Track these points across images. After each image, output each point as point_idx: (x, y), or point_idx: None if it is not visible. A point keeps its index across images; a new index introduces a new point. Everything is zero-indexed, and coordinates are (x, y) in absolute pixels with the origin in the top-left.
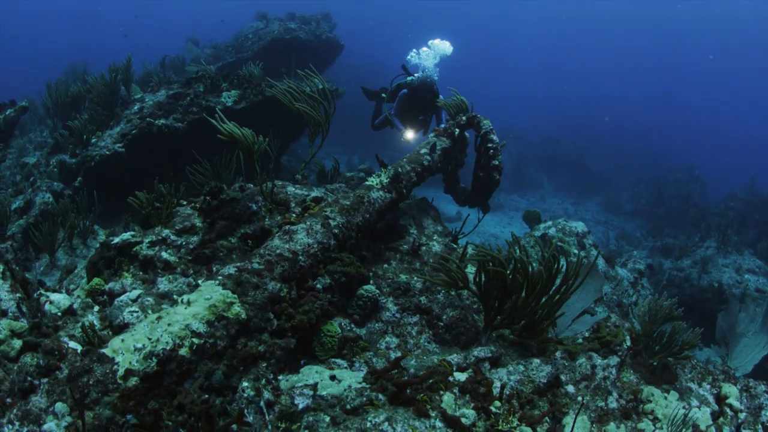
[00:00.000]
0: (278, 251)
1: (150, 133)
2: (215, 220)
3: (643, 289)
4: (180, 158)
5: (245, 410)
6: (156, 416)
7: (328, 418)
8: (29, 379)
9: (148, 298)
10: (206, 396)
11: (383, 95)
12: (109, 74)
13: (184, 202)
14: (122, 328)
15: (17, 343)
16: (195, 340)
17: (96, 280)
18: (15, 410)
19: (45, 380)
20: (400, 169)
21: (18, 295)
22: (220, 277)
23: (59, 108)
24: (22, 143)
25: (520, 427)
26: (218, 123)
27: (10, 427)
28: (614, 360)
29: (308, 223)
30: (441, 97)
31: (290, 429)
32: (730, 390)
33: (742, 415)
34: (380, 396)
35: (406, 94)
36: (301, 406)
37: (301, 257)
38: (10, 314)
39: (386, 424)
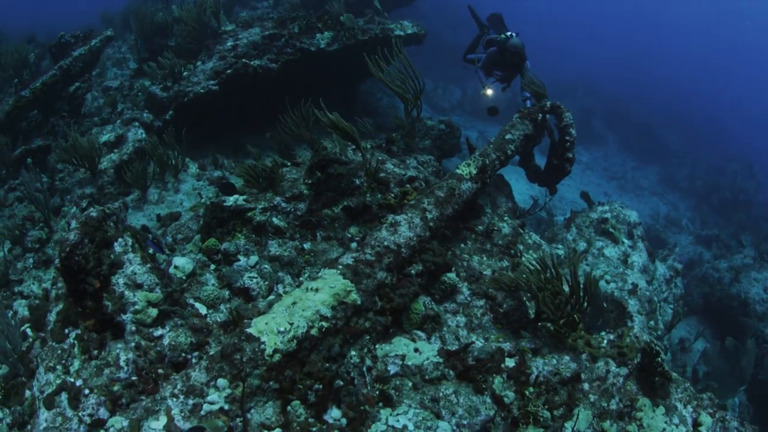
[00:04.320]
0: (385, 243)
1: (245, 74)
2: (322, 192)
3: (676, 288)
4: (270, 96)
5: (350, 372)
6: (291, 382)
7: (410, 384)
8: (183, 354)
9: (266, 265)
10: (327, 364)
11: (483, 34)
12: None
13: (288, 164)
14: (242, 291)
15: (153, 312)
16: (323, 323)
17: (212, 240)
18: (179, 385)
19: (195, 354)
20: (487, 161)
21: (149, 265)
22: (340, 267)
23: (144, 34)
24: (102, 60)
25: (543, 409)
26: (322, 114)
27: (175, 400)
28: (624, 371)
29: (409, 215)
30: (528, 62)
31: (383, 389)
32: (705, 419)
33: None
34: (450, 372)
35: (496, 52)
36: (392, 372)
37: (403, 249)
38: (146, 287)
39: (453, 395)
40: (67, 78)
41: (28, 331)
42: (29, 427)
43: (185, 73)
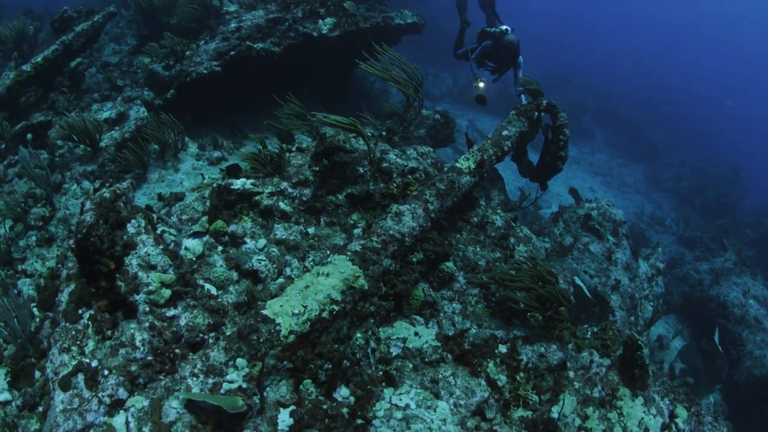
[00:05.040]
0: (391, 232)
1: (249, 56)
2: (327, 178)
3: (657, 287)
4: (269, 77)
5: (356, 353)
6: (303, 362)
7: (411, 365)
8: (200, 335)
9: (273, 249)
10: (336, 346)
11: (465, 26)
12: None
13: (293, 149)
14: (251, 273)
15: (167, 293)
16: (334, 307)
17: (219, 222)
18: (198, 365)
19: (211, 334)
20: (485, 156)
21: (161, 246)
22: (349, 253)
23: (144, 11)
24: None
25: (531, 393)
26: (322, 116)
27: (195, 379)
28: (607, 361)
29: (413, 205)
30: (521, 57)
31: (386, 370)
32: (681, 412)
33: None
34: (448, 355)
35: (491, 45)
36: (394, 354)
37: (407, 239)
38: (159, 268)
39: (451, 377)
40: (69, 53)
41: (35, 310)
42: (40, 408)
43: (188, 53)
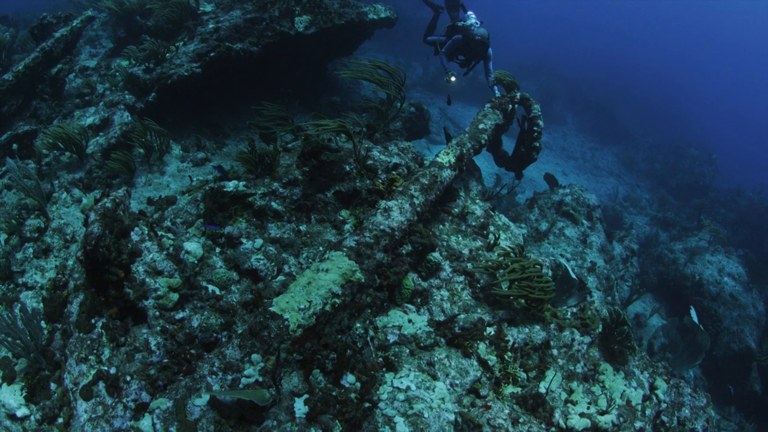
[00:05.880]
0: (381, 227)
1: (228, 57)
2: (315, 177)
3: (632, 267)
4: (248, 76)
5: (357, 342)
6: (311, 353)
7: (408, 350)
8: (214, 335)
9: (270, 248)
10: (339, 336)
11: (440, 12)
12: None
13: (281, 149)
14: (251, 272)
15: (174, 296)
16: (336, 300)
17: None
18: (216, 363)
19: (224, 333)
20: (464, 150)
21: (165, 252)
22: (345, 249)
23: (119, 15)
24: None
25: (519, 371)
26: (310, 125)
27: (214, 377)
28: (587, 339)
29: (399, 201)
30: (490, 49)
31: (386, 356)
32: (661, 384)
33: (663, 405)
34: (441, 339)
35: (461, 40)
36: (391, 341)
37: (397, 233)
38: (165, 273)
39: (446, 359)
40: (49, 60)
41: (42, 323)
42: (60, 420)
43: (168, 55)
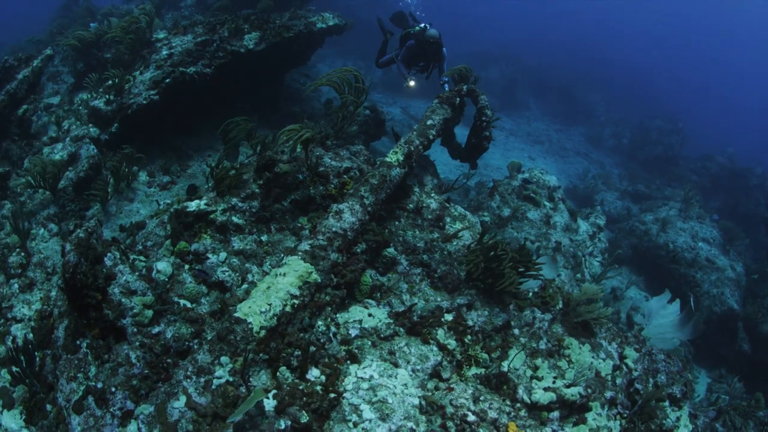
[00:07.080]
0: (333, 229)
1: (183, 81)
2: (271, 189)
3: (600, 243)
4: (205, 96)
5: (320, 339)
6: (276, 351)
7: (369, 342)
8: (186, 343)
9: (234, 259)
10: (302, 334)
11: (388, 37)
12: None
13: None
14: (218, 284)
15: (149, 313)
16: (294, 301)
17: (182, 243)
18: (190, 368)
19: (195, 341)
20: (412, 147)
21: (137, 273)
22: (300, 253)
23: (78, 50)
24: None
25: (481, 353)
26: (285, 134)
27: (189, 381)
28: (548, 316)
29: (350, 203)
30: (444, 49)
31: (349, 349)
32: (630, 353)
33: (635, 373)
34: (401, 329)
35: (414, 45)
36: (353, 335)
37: (349, 233)
38: (139, 292)
39: (405, 347)
40: (14, 101)
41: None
42: None
43: (127, 86)
